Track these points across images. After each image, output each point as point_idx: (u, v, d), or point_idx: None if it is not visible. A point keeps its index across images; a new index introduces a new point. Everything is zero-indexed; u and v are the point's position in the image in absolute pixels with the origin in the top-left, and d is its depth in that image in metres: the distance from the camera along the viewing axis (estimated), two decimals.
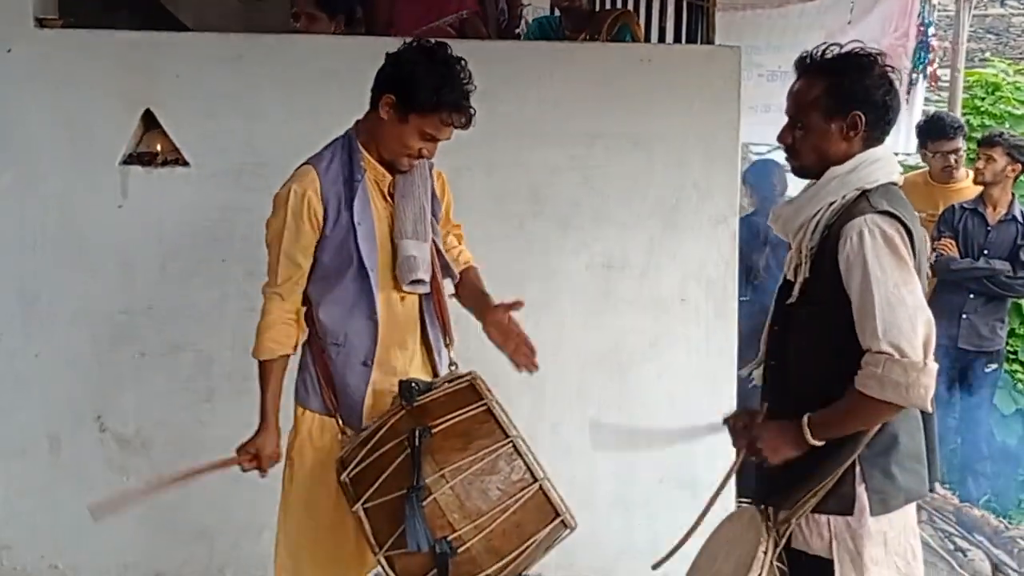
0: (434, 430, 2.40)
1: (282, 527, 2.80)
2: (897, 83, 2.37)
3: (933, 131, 5.39)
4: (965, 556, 4.54)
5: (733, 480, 2.68)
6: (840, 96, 2.27)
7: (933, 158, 5.40)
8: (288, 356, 2.76)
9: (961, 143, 5.38)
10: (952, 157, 5.32)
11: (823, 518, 2.28)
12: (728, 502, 3.20)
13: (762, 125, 6.24)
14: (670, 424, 3.97)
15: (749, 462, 2.45)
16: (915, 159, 7.55)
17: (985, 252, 4.99)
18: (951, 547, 4.60)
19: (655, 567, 2.58)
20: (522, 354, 2.74)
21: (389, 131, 2.62)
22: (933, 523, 4.78)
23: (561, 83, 3.89)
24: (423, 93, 2.54)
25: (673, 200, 3.94)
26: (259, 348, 2.71)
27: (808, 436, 2.22)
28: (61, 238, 3.84)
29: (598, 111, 3.90)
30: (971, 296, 5.00)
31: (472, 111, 2.65)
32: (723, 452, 3.99)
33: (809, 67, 2.34)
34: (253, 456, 2.75)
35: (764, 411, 2.46)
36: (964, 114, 7.56)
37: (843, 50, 2.32)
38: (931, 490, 2.49)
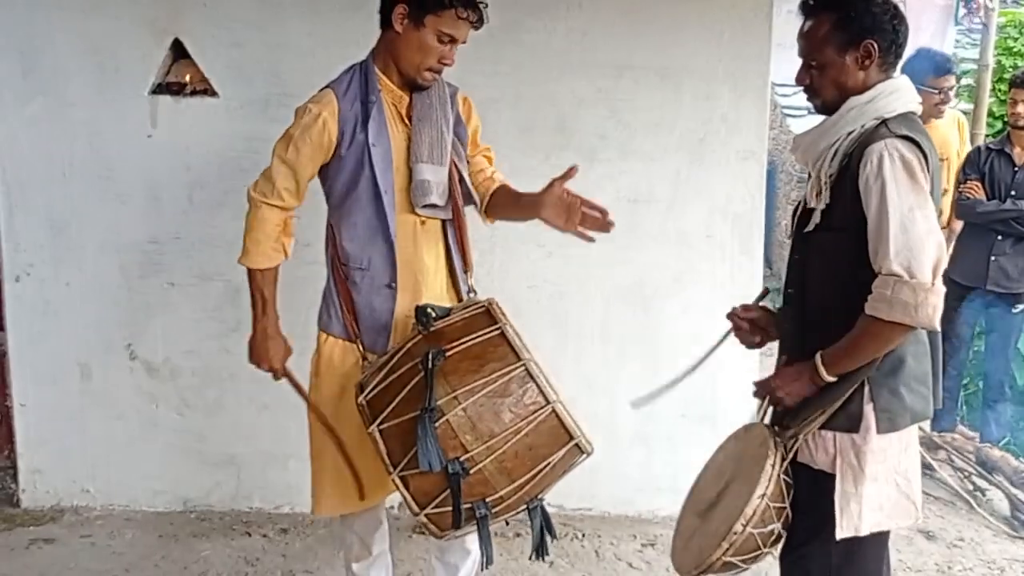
0: (448, 353, 2.40)
1: (311, 448, 2.84)
2: (903, 8, 2.38)
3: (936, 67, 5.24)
4: (984, 496, 4.57)
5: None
6: (849, 28, 2.30)
7: (937, 94, 5.26)
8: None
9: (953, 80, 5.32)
10: (951, 93, 5.26)
11: (829, 434, 2.32)
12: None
13: (789, 63, 6.16)
14: (693, 360, 4.04)
15: None
16: None
17: (1012, 193, 4.91)
18: (970, 487, 4.62)
19: (634, 406, 2.68)
20: (592, 219, 2.68)
21: (407, 42, 2.60)
22: (952, 463, 4.79)
23: (589, 14, 3.84)
24: None
25: (701, 134, 3.91)
26: (260, 256, 2.67)
27: (823, 373, 2.26)
28: (90, 168, 3.87)
29: (626, 43, 3.86)
30: (999, 238, 4.93)
31: (484, 5, 2.61)
32: (743, 388, 4.04)
33: (813, 6, 2.37)
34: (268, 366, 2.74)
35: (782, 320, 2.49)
36: (997, 55, 7.43)
37: None
38: (936, 416, 2.52)
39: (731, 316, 2.65)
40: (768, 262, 9.61)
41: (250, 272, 2.71)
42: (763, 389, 2.44)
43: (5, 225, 3.90)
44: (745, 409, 4.09)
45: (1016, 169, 4.94)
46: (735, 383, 4.01)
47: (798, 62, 2.47)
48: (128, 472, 4.06)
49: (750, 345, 2.66)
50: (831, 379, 2.25)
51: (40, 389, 4.01)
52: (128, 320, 3.98)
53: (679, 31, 3.86)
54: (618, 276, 4.00)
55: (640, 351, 4.05)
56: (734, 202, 3.97)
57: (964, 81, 8.95)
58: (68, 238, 3.91)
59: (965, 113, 7.37)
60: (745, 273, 4.02)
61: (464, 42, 2.64)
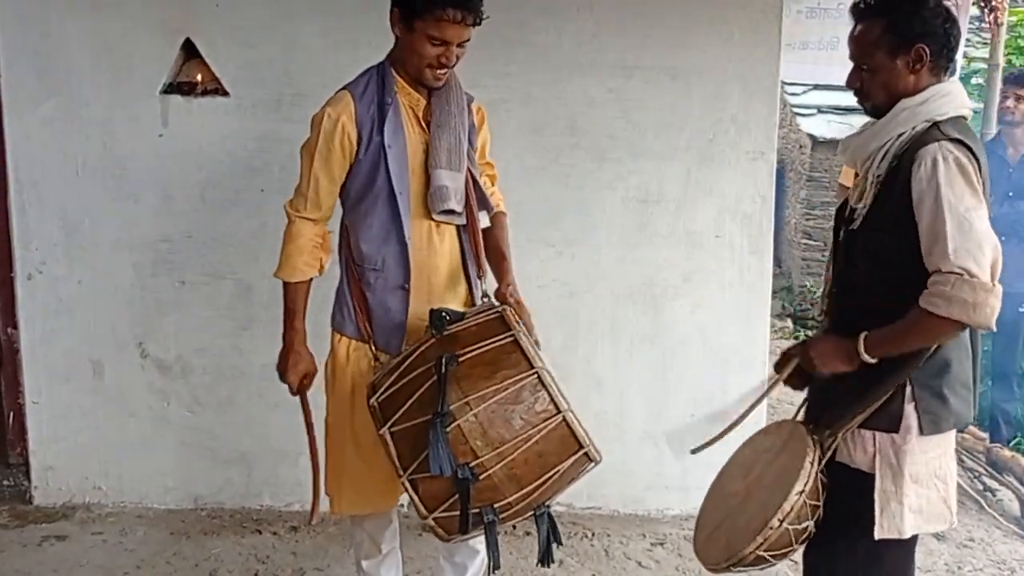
0: (461, 359, 2.40)
1: (326, 448, 2.86)
2: (954, 11, 2.37)
3: None
4: (994, 496, 4.57)
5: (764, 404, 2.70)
6: (901, 32, 2.29)
7: None
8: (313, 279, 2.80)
9: None
10: None
11: (868, 433, 2.32)
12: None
13: (798, 63, 6.16)
14: (702, 360, 4.05)
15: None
16: None
17: (1010, 194, 4.91)
18: (980, 487, 4.63)
19: (695, 452, 2.61)
20: None
21: (403, 45, 2.63)
22: (962, 463, 4.79)
23: (599, 15, 3.85)
24: None
25: (710, 134, 3.92)
26: (291, 270, 2.73)
27: (862, 352, 2.25)
28: (103, 167, 3.89)
29: (636, 43, 3.86)
30: (1002, 238, 4.92)
31: (477, 4, 2.59)
32: (752, 388, 4.04)
33: (864, 10, 2.36)
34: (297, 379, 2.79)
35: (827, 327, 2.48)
36: (1007, 54, 7.41)
37: None
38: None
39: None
40: (777, 261, 9.60)
41: (283, 285, 2.76)
42: (796, 350, 2.43)
43: (18, 223, 3.92)
44: (755, 409, 4.10)
45: (1011, 169, 4.95)
46: (744, 383, 4.01)
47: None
48: (140, 469, 4.08)
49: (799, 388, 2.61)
50: (869, 360, 2.25)
51: (52, 386, 4.03)
52: (140, 318, 4.00)
53: (689, 31, 3.87)
54: (628, 275, 4.01)
55: (649, 350, 4.06)
56: (744, 202, 3.97)
57: (974, 81, 8.95)
58: (81, 236, 3.94)
59: (976, 112, 7.36)
60: (754, 273, 4.03)
61: (462, 42, 2.61)
